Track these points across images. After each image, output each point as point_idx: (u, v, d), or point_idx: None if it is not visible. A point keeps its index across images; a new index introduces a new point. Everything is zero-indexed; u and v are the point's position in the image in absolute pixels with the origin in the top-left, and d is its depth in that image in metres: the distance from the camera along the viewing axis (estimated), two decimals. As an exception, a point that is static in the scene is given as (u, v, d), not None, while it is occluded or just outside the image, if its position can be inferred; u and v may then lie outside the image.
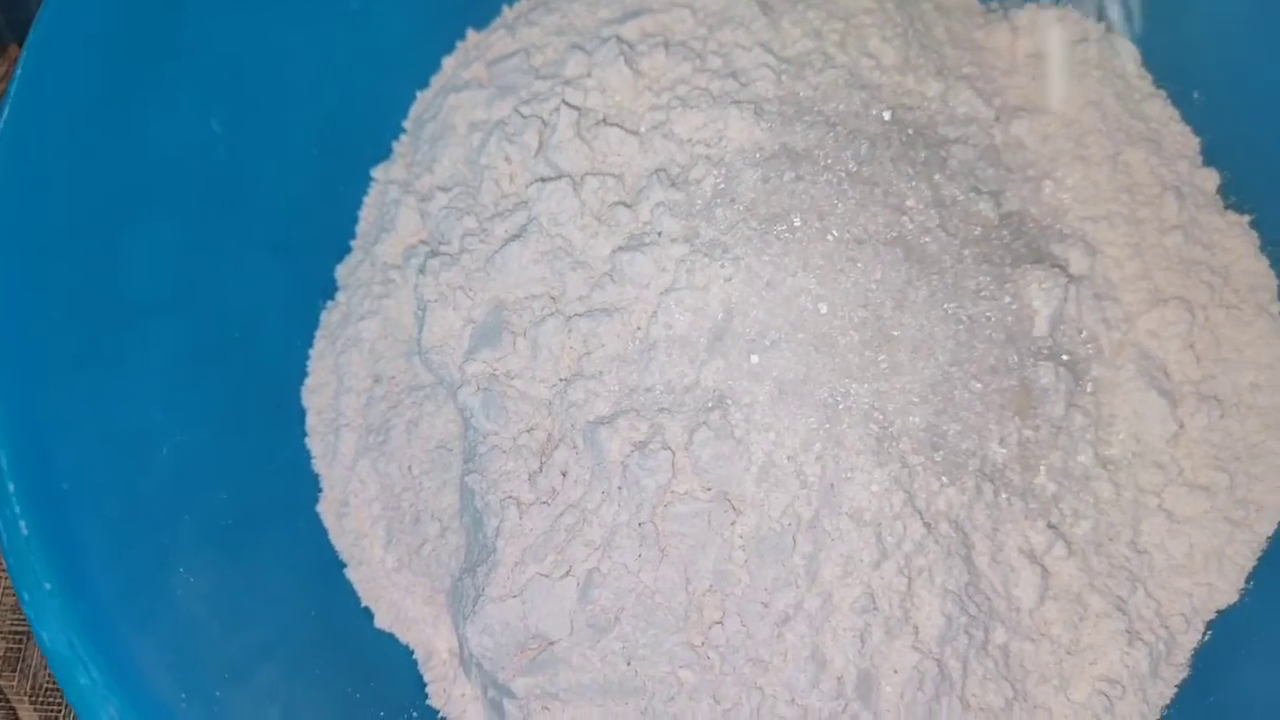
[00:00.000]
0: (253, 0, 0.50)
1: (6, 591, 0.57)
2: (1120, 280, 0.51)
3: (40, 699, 0.55)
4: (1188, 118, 0.54)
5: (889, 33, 0.54)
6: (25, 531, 0.35)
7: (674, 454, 0.44)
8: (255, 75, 0.51)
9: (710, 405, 0.44)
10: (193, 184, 0.49)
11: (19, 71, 0.41)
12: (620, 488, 0.44)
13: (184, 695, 0.38)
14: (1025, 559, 0.45)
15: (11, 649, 0.56)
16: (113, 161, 0.45)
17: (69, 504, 0.37)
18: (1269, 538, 0.48)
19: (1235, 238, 0.52)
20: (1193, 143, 0.54)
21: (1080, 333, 0.49)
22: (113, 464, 0.41)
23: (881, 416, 0.44)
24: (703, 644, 0.43)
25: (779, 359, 0.44)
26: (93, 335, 0.43)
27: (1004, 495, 0.45)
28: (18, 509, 0.35)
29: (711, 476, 0.43)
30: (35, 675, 0.55)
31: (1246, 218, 0.52)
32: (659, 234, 0.47)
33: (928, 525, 0.44)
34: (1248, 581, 0.47)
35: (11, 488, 0.35)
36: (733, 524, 0.43)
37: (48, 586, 0.35)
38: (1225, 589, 0.47)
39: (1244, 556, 0.48)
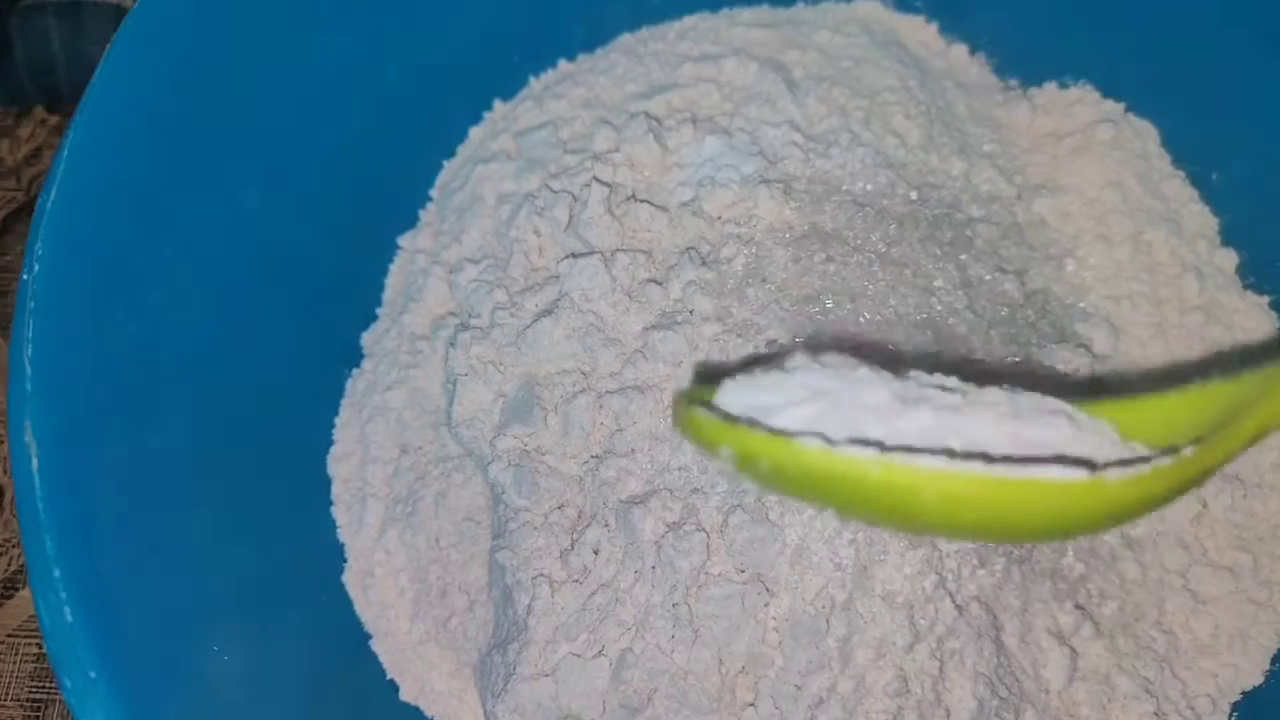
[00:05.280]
0: (293, 75, 0.51)
1: (24, 659, 0.57)
2: (1143, 360, 0.51)
3: (57, 768, 0.55)
4: (1206, 198, 0.55)
5: (912, 110, 0.55)
6: (70, 618, 0.35)
7: (708, 535, 0.44)
8: (291, 147, 0.52)
9: (744, 487, 0.44)
10: (227, 254, 0.49)
11: (65, 151, 0.41)
12: (654, 568, 0.44)
13: (219, 778, 0.38)
14: (1054, 640, 0.45)
15: (29, 716, 0.55)
16: (152, 235, 0.45)
17: (110, 587, 0.37)
18: (1293, 619, 0.48)
19: (1255, 318, 0.53)
20: (1211, 223, 0.55)
21: (1105, 413, 0.50)
22: (149, 543, 0.41)
23: (914, 499, 0.44)
24: (735, 726, 0.43)
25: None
26: (127, 412, 0.43)
27: (1033, 576, 0.46)
28: (63, 595, 0.35)
29: (746, 559, 0.44)
30: (53, 744, 0.55)
31: (1265, 298, 0.53)
32: (691, 312, 0.48)
33: (959, 607, 0.44)
34: (1273, 663, 0.47)
35: (57, 573, 0.35)
36: (766, 606, 0.43)
37: (92, 675, 0.35)
38: (1250, 670, 0.48)
39: (1268, 638, 0.48)
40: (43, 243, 0.40)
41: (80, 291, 0.41)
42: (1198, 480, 0.32)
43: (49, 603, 0.35)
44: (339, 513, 0.53)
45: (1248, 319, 0.53)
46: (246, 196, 0.50)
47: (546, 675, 0.44)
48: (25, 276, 0.40)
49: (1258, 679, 0.47)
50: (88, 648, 0.35)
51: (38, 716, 0.55)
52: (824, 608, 0.43)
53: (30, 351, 0.38)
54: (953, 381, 0.32)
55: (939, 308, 0.47)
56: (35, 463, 0.37)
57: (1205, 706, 0.47)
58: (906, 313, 0.46)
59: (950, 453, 0.29)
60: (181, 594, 0.42)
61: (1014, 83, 0.60)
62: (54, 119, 0.68)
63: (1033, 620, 0.46)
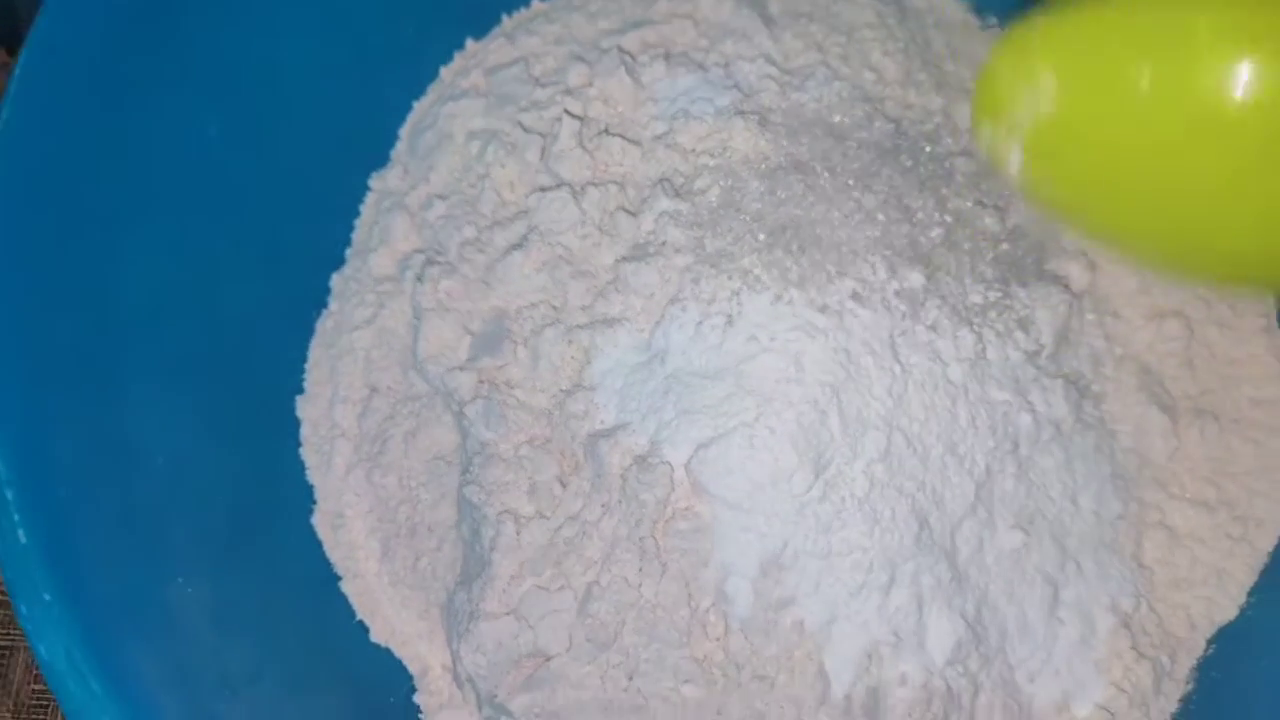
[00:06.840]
0: (260, 10, 0.50)
1: (-10, 605, 0.56)
2: (1119, 296, 0.51)
3: (23, 714, 0.54)
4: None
5: (890, 47, 0.54)
6: (24, 540, 0.34)
7: (673, 469, 0.43)
8: (254, 80, 0.51)
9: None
10: (189, 190, 0.48)
11: (16, 75, 0.40)
12: (620, 501, 0.43)
13: (181, 708, 0.37)
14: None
15: (-7, 665, 0.55)
16: (109, 167, 0.44)
17: (66, 512, 0.37)
18: (1269, 553, 0.48)
19: (1233, 254, 0.52)
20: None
21: (1082, 348, 0.49)
22: (108, 472, 0.40)
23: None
24: (705, 659, 0.43)
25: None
26: (88, 343, 0.42)
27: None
28: (16, 517, 0.34)
29: (713, 492, 0.43)
30: (18, 691, 0.54)
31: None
32: (663, 244, 0.47)
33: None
34: (1250, 596, 0.47)
35: (10, 495, 0.35)
36: (734, 541, 0.43)
37: (47, 598, 0.34)
38: (1226, 604, 0.47)
39: (1244, 572, 0.48)
40: (-3, 170, 0.39)
41: (38, 221, 0.40)
42: None
43: (2, 527, 0.34)
44: (308, 454, 0.52)
45: (1226, 255, 0.52)
46: (208, 129, 0.49)
47: (509, 613, 0.44)
48: (-21, 204, 0.39)
49: (1232, 613, 0.47)
50: (42, 569, 0.34)
51: (3, 664, 0.55)
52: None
53: (-14, 279, 0.37)
54: None
55: (920, 239, 0.47)
56: (-13, 385, 0.36)
57: (1181, 640, 0.47)
58: (887, 242, 0.46)
59: None
60: (143, 525, 0.41)
61: (993, 21, 0.59)
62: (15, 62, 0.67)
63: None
